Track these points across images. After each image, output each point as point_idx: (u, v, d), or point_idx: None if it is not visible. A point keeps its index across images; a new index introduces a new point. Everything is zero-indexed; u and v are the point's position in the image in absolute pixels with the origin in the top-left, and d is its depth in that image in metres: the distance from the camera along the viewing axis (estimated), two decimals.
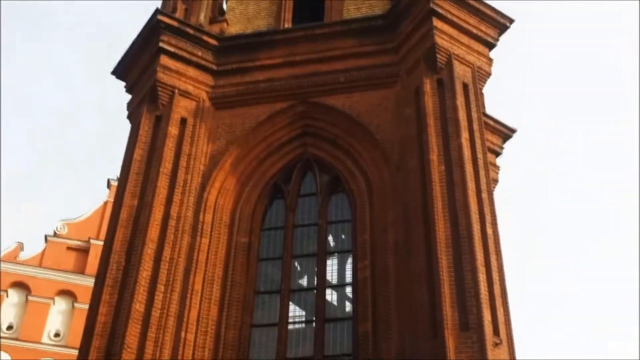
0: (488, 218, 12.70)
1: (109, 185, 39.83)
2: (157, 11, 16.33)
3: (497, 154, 16.62)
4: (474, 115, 14.00)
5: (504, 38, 15.76)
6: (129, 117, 16.46)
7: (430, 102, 14.13)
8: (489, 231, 12.56)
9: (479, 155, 13.48)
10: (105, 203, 38.68)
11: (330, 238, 15.19)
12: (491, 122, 16.32)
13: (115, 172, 34.00)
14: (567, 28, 63.04)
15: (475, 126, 13.87)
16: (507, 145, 16.88)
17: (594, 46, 65.47)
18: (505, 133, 16.75)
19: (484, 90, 15.77)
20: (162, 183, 14.33)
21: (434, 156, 13.37)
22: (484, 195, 12.97)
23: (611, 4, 61.84)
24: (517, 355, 11.76)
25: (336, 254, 14.97)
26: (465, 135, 13.59)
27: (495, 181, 16.19)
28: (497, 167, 16.57)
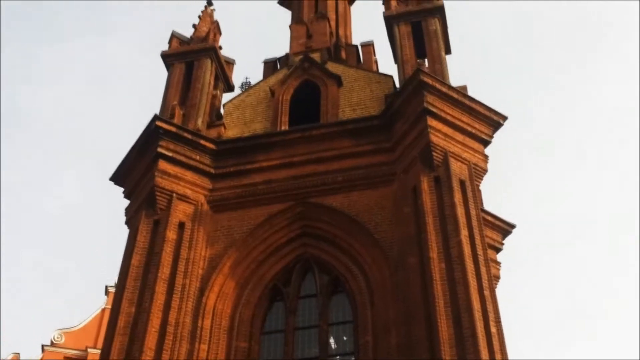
0: (491, 316, 12.49)
1: (106, 292, 39.38)
2: (155, 117, 16.57)
3: (498, 250, 16.55)
4: (473, 212, 13.99)
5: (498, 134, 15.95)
6: (127, 222, 16.43)
7: (428, 200, 14.16)
8: (493, 330, 12.32)
9: (479, 252, 13.39)
10: (103, 310, 38.11)
11: (331, 340, 14.90)
12: (490, 218, 16.31)
13: (113, 278, 33.72)
14: (560, 120, 64.00)
15: (474, 223, 13.83)
16: (507, 240, 16.81)
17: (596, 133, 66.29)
18: (505, 229, 16.72)
19: (481, 187, 15.81)
20: (160, 289, 14.18)
21: (434, 254, 13.28)
22: (486, 292, 12.80)
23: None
24: None
25: (338, 357, 14.67)
26: (464, 232, 13.54)
27: (497, 278, 16.04)
28: (498, 264, 16.45)
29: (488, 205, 16.67)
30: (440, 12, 18.30)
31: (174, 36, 19.87)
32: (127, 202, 16.81)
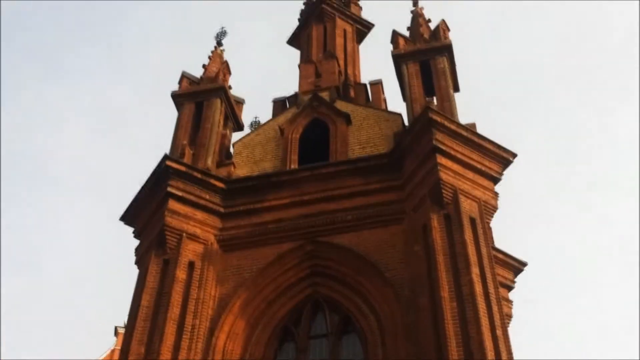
0: (504, 355, 12.33)
1: (116, 333, 39.23)
2: (165, 157, 16.64)
3: (510, 288, 16.42)
4: (483, 250, 13.90)
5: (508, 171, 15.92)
6: (137, 262, 16.41)
7: (438, 238, 14.09)
8: None
9: (491, 290, 13.27)
10: (113, 351, 37.96)
11: None
12: (501, 256, 16.23)
13: (122, 319, 33.56)
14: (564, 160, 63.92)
15: (485, 261, 13.74)
16: (519, 278, 16.69)
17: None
18: (516, 267, 16.62)
19: (491, 224, 15.74)
20: (170, 329, 14.10)
21: (445, 293, 13.17)
22: (499, 331, 12.65)
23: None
24: None
25: None
26: (475, 270, 13.44)
27: (509, 316, 15.90)
28: (510, 302, 16.31)
29: (499, 243, 16.58)
30: (448, 50, 18.40)
31: (184, 76, 20.05)
32: (136, 242, 16.82)
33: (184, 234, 15.69)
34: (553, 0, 61.44)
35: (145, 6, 67.51)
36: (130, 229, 17.10)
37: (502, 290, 14.89)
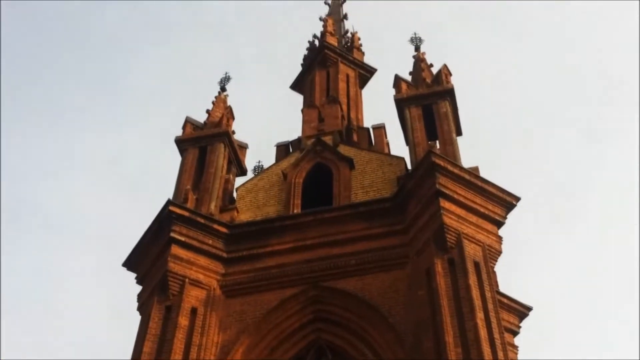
0: None
1: None
2: (168, 202, 16.64)
3: (515, 333, 16.25)
4: (488, 294, 13.79)
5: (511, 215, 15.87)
6: (139, 308, 16.32)
7: (442, 282, 13.99)
8: None
9: (496, 336, 13.13)
10: None
11: None
12: (506, 301, 16.10)
13: None
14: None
15: (490, 305, 13.62)
16: (524, 323, 16.53)
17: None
18: (521, 311, 16.47)
19: (495, 269, 15.63)
20: None
21: (450, 338, 13.03)
22: None
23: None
24: None
25: None
26: (480, 315, 13.32)
27: None
28: (516, 347, 16.13)
29: (503, 287, 16.46)
30: (450, 94, 18.51)
31: (187, 121, 20.16)
32: (139, 288, 16.74)
33: (187, 280, 15.62)
34: (554, 45, 61.98)
35: (149, 51, 68.09)
36: (133, 275, 17.03)
37: (507, 336, 14.76)
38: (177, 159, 19.39)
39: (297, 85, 25.14)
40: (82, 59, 66.05)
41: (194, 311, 15.21)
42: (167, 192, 18.17)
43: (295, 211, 17.46)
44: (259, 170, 21.59)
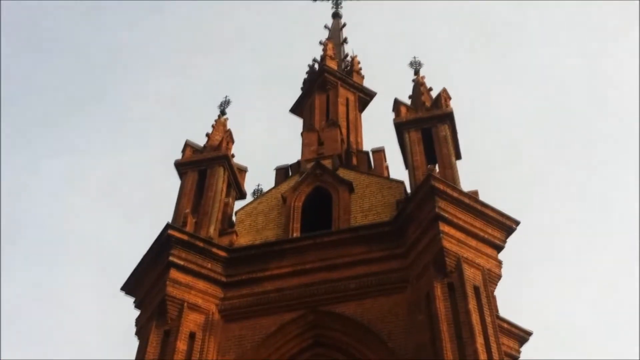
0: None
1: None
2: (167, 225, 16.59)
3: (515, 358, 16.13)
4: (488, 318, 13.72)
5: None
6: (137, 333, 16.22)
7: (442, 306, 13.92)
8: None
9: None
10: None
11: None
12: (506, 325, 15.98)
13: None
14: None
15: (490, 330, 13.54)
16: (525, 348, 16.42)
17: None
18: (522, 336, 16.35)
19: (495, 293, 15.56)
20: None
21: None
22: None
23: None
24: None
25: None
26: (480, 340, 13.24)
27: None
28: None
29: (503, 312, 16.37)
30: (449, 118, 18.54)
31: (187, 145, 20.19)
32: (137, 312, 16.65)
33: (186, 304, 15.54)
34: (552, 68, 62.19)
35: (149, 75, 68.38)
36: (131, 299, 16.95)
37: None
38: (176, 182, 19.41)
39: (296, 109, 25.19)
40: (83, 81, 66.39)
41: (192, 336, 15.11)
42: (167, 215, 18.15)
43: (294, 235, 17.42)
44: (258, 193, 21.59)
